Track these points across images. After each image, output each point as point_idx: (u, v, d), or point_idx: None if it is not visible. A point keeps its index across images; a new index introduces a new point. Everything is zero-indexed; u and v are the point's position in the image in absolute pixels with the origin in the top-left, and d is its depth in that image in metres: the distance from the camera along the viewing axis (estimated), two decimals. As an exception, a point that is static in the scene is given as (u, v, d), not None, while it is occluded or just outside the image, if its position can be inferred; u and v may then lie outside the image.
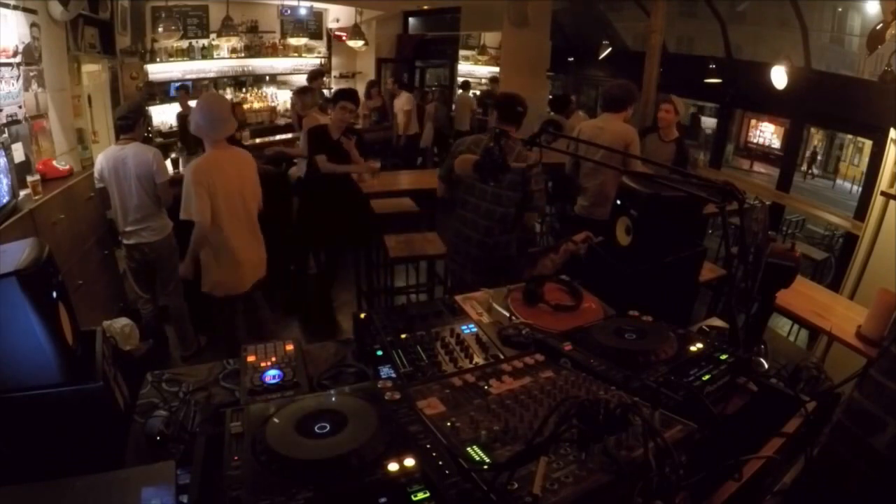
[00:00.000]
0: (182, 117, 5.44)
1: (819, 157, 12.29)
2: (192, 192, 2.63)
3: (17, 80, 3.26)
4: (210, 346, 3.70)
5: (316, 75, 6.16)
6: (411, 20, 9.52)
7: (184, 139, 5.30)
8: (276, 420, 0.90)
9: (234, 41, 7.10)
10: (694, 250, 2.06)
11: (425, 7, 8.78)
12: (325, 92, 7.01)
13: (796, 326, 4.18)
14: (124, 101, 3.89)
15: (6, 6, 3.17)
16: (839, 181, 11.60)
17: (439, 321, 1.52)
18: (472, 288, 1.94)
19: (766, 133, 12.09)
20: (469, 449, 0.87)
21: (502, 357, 1.33)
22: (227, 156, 2.82)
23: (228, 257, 2.84)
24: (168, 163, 4.36)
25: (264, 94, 7.70)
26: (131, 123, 3.25)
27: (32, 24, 3.50)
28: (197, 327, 3.71)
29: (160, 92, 6.40)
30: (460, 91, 8.69)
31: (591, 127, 3.67)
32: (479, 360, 1.34)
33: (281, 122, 7.50)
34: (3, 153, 2.69)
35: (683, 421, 0.95)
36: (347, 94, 3.98)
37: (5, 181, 2.66)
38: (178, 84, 6.60)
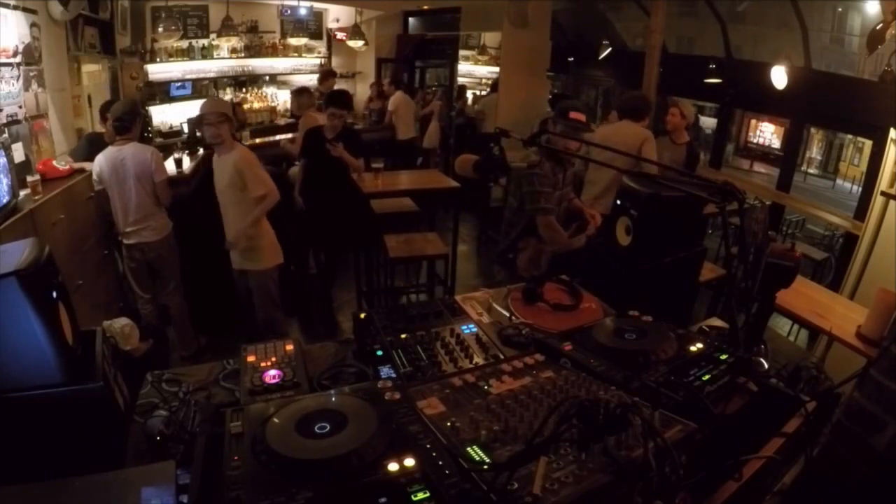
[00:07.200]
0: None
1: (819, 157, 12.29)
2: (263, 171, 3.02)
3: (17, 80, 3.26)
4: (210, 346, 3.70)
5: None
6: (411, 20, 9.49)
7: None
8: (276, 420, 0.90)
9: (234, 41, 7.08)
10: (694, 250, 2.06)
11: (425, 7, 8.75)
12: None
13: (796, 326, 4.18)
14: (119, 101, 3.88)
15: (6, 6, 3.17)
16: (839, 181, 11.61)
17: (439, 321, 1.52)
18: None
19: (766, 133, 12.09)
20: (469, 449, 0.87)
21: (502, 357, 1.33)
22: None
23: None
24: (171, 162, 4.36)
25: (264, 94, 7.69)
26: (128, 124, 3.24)
27: (32, 24, 3.50)
28: (197, 327, 3.71)
29: (160, 92, 6.39)
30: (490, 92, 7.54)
31: (608, 129, 3.82)
32: (479, 360, 1.34)
33: (281, 122, 7.49)
34: (3, 153, 2.69)
35: (683, 421, 0.95)
36: (336, 101, 3.95)
37: (5, 181, 2.66)
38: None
